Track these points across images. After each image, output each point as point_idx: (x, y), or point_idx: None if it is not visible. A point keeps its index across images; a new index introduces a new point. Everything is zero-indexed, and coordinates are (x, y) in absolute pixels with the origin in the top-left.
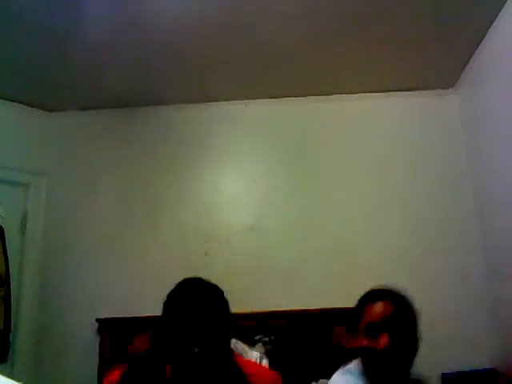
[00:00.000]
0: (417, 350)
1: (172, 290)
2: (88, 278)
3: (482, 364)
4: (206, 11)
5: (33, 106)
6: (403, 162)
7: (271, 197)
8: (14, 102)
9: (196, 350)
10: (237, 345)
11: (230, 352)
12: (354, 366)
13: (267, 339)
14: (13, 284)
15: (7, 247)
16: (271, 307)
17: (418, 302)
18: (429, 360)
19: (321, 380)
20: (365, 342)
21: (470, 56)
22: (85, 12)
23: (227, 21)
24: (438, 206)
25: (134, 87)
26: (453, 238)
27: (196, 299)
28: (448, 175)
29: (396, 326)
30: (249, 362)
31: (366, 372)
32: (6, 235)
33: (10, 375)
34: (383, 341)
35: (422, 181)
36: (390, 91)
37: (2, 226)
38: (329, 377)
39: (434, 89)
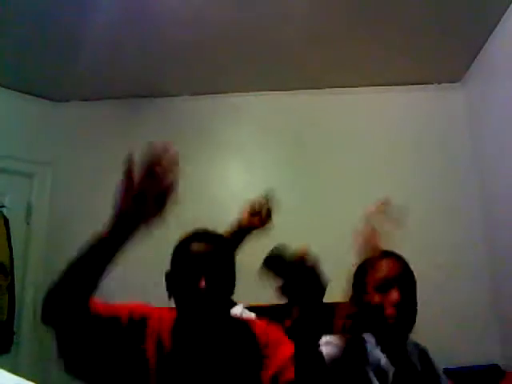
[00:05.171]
0: (416, 312)
1: (182, 238)
2: None
3: (485, 360)
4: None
5: (37, 97)
6: (407, 157)
7: (277, 190)
8: (18, 92)
9: (203, 285)
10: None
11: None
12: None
13: None
14: (17, 274)
15: (12, 237)
16: (274, 301)
17: (420, 296)
18: (431, 355)
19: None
20: (376, 298)
21: (478, 50)
22: (91, 3)
23: (236, 15)
24: (442, 202)
25: (139, 79)
26: (456, 232)
27: (205, 243)
28: (453, 170)
29: (405, 282)
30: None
31: (374, 329)
32: (10, 225)
33: (14, 365)
34: (395, 295)
35: (425, 176)
36: (395, 85)
37: (7, 216)
38: None
39: (439, 83)
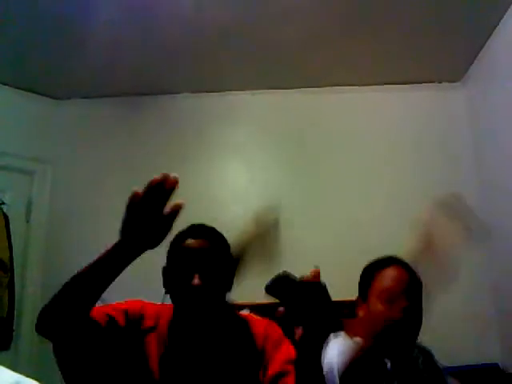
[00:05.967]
0: (421, 322)
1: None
2: None
3: (484, 360)
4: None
5: (38, 94)
6: (407, 157)
7: (277, 188)
8: (19, 89)
9: (196, 282)
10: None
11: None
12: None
13: None
14: (17, 271)
15: (12, 235)
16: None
17: None
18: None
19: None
20: (381, 308)
21: (479, 50)
22: (92, 2)
23: (236, 15)
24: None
25: (139, 76)
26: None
27: (201, 238)
28: (453, 170)
29: (412, 291)
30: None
31: (380, 339)
32: (10, 223)
33: (14, 362)
34: (402, 305)
35: (425, 176)
36: (395, 84)
37: (7, 213)
38: None
39: (440, 82)
